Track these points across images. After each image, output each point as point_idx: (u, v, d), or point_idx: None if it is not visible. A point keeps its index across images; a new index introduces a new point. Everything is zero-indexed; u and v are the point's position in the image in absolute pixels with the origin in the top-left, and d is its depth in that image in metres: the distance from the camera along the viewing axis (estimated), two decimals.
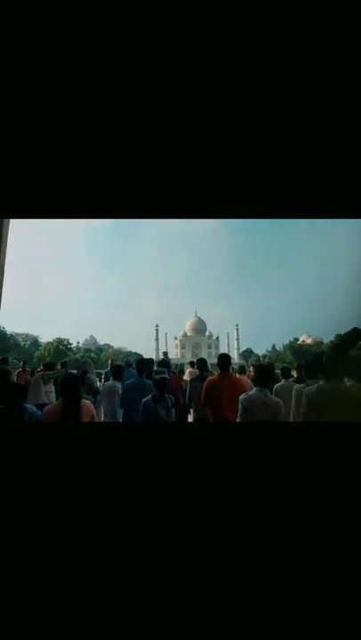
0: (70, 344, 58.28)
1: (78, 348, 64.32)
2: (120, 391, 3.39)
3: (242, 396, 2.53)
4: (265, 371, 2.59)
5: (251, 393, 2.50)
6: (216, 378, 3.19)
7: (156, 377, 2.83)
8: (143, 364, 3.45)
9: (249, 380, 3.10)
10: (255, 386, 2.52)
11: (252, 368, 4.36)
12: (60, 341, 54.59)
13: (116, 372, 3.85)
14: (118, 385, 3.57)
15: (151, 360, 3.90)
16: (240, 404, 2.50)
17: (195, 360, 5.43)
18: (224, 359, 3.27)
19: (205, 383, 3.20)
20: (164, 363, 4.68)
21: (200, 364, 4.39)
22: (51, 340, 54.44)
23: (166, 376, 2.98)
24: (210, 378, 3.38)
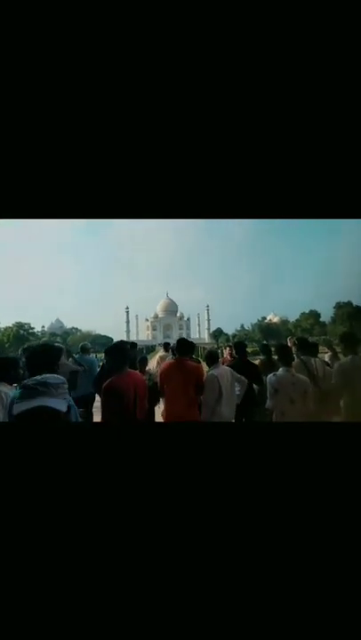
0: (32, 328, 55.19)
1: (43, 333, 61.42)
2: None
3: (270, 377, 2.38)
4: (286, 349, 2.49)
5: (279, 373, 2.37)
6: (172, 363, 2.72)
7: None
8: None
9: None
10: (282, 366, 2.39)
11: (228, 350, 4.05)
12: (20, 326, 51.35)
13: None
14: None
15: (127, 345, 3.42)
16: (269, 385, 2.35)
17: (170, 342, 4.74)
18: (183, 344, 2.74)
19: (160, 370, 2.83)
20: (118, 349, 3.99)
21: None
22: (10, 325, 51.08)
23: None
24: (164, 363, 3.01)
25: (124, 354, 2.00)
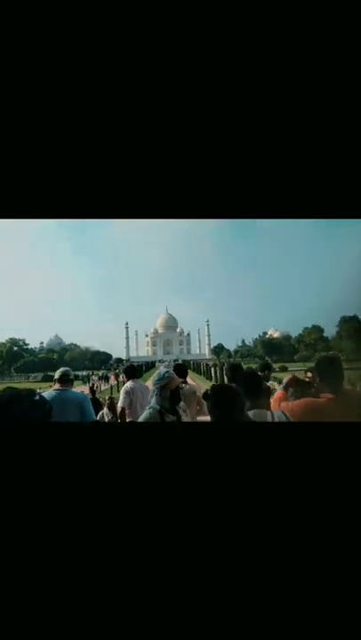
0: (27, 345, 53.60)
1: (41, 349, 59.82)
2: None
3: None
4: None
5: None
6: None
7: None
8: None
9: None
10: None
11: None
12: (14, 342, 49.83)
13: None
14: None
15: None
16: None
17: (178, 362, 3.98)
18: (180, 368, 2.89)
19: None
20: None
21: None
22: (3, 342, 49.49)
23: None
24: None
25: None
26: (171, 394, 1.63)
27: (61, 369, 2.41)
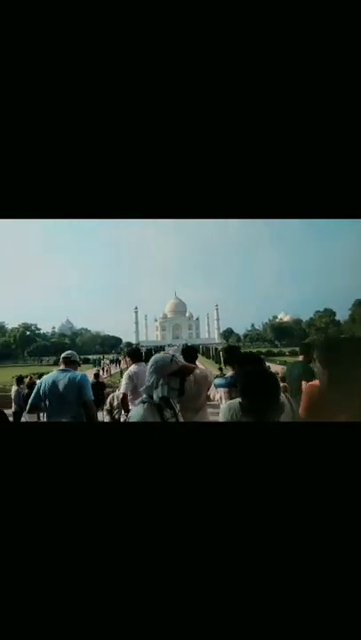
0: (39, 329, 54.58)
1: (53, 334, 60.97)
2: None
3: None
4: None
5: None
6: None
7: None
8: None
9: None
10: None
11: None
12: (26, 327, 50.79)
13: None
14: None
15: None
16: None
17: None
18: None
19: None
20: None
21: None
22: (16, 326, 50.57)
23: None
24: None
25: None
26: (180, 383, 1.31)
27: (67, 352, 2.59)
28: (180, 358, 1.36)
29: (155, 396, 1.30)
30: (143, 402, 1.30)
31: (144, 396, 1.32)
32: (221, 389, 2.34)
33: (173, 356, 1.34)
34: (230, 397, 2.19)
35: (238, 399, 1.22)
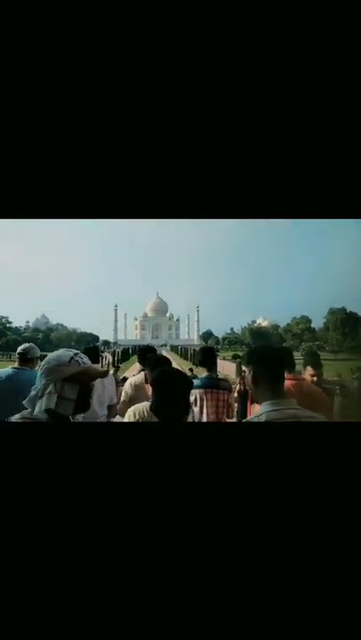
0: (10, 322, 51.98)
1: (26, 328, 58.29)
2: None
3: None
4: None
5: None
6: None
7: None
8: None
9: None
10: None
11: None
12: None
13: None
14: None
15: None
16: None
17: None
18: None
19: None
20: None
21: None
22: None
23: None
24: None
25: None
26: (81, 394, 0.94)
27: (23, 345, 2.06)
28: (86, 359, 0.97)
29: (36, 410, 0.90)
30: (21, 418, 0.92)
31: (27, 410, 0.93)
32: (197, 391, 2.18)
33: (76, 354, 0.96)
34: (209, 399, 2.15)
35: (145, 402, 1.21)
